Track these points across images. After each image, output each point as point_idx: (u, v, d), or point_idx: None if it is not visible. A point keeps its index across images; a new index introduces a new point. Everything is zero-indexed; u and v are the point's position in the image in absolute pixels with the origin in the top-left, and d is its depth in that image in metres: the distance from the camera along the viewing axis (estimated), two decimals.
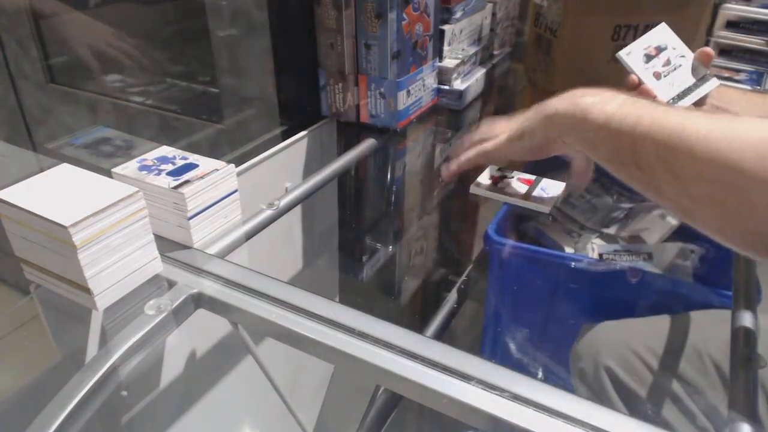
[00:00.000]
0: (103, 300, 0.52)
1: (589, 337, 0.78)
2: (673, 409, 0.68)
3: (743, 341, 0.54)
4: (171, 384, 0.75)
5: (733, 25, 1.16)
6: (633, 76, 0.70)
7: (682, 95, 0.70)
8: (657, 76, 0.70)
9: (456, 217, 1.28)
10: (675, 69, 0.70)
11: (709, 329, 0.72)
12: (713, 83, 0.72)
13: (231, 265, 0.58)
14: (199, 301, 0.55)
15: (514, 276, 0.87)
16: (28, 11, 1.32)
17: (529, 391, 0.43)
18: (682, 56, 0.71)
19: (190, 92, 1.24)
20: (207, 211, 0.61)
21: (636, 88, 0.70)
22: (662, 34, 0.71)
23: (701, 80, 0.71)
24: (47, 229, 0.49)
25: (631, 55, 0.70)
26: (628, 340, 0.75)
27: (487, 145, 0.70)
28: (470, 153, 0.72)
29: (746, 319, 0.57)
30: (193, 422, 0.82)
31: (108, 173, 0.60)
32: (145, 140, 1.25)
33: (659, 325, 0.75)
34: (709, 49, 0.71)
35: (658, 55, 0.71)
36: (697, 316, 0.75)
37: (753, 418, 0.46)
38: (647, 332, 0.75)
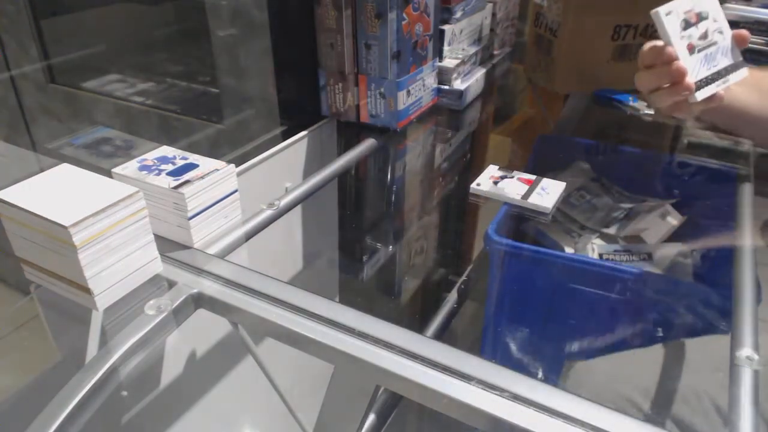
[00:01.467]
0: (103, 300, 0.52)
1: (573, 377, 0.74)
2: None
3: (743, 342, 0.54)
4: (171, 384, 0.75)
5: (733, 25, 1.16)
6: (670, 49, 0.59)
7: (710, 79, 0.60)
8: (691, 49, 0.59)
9: (456, 217, 1.28)
10: (710, 45, 0.60)
11: (708, 364, 0.67)
12: (743, 72, 0.63)
13: (231, 265, 0.58)
14: (199, 301, 0.55)
15: (514, 276, 0.87)
16: (28, 11, 1.33)
17: (529, 391, 0.43)
18: (720, 32, 0.61)
19: (190, 92, 1.25)
20: (207, 211, 0.61)
21: (669, 62, 0.59)
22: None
23: (733, 66, 0.62)
24: (47, 229, 0.49)
25: (671, 16, 0.59)
26: (617, 381, 0.70)
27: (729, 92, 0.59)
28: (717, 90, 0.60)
29: (746, 319, 0.57)
30: (193, 422, 0.82)
31: (108, 173, 0.60)
32: (145, 140, 1.26)
33: (651, 361, 0.70)
34: (746, 32, 0.62)
35: (698, 24, 0.60)
36: (693, 350, 0.70)
37: (753, 418, 0.46)
38: (638, 370, 0.70)
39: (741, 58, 0.62)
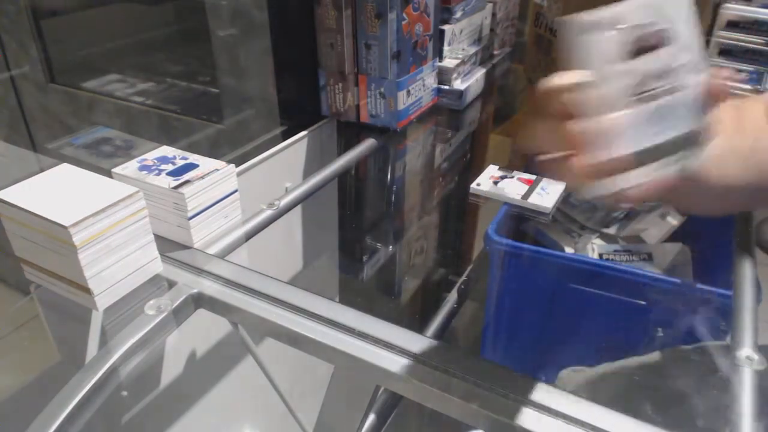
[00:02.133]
0: (103, 300, 0.52)
1: (569, 388, 0.74)
2: None
3: (743, 342, 0.54)
4: (171, 384, 0.75)
5: (733, 25, 1.16)
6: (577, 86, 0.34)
7: (654, 152, 0.33)
8: (633, 93, 0.33)
9: (456, 217, 1.28)
10: (668, 92, 0.33)
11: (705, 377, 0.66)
12: (698, 156, 0.35)
13: (231, 265, 0.58)
14: (199, 301, 0.55)
15: (514, 276, 0.87)
16: (28, 10, 1.33)
17: (529, 391, 0.43)
18: (694, 72, 0.33)
19: (190, 92, 1.25)
20: (207, 211, 0.61)
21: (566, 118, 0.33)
22: (655, 3, 0.32)
23: (691, 140, 0.34)
24: (47, 229, 0.49)
25: (603, 31, 0.33)
26: (614, 390, 0.70)
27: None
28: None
29: (746, 319, 0.57)
30: (193, 422, 0.82)
31: (108, 173, 0.60)
32: (145, 140, 1.26)
33: (648, 370, 0.69)
34: (725, 86, 0.34)
35: (658, 51, 0.33)
36: (690, 359, 0.69)
37: (753, 418, 0.46)
38: (633, 380, 0.70)
39: (706, 121, 0.34)
